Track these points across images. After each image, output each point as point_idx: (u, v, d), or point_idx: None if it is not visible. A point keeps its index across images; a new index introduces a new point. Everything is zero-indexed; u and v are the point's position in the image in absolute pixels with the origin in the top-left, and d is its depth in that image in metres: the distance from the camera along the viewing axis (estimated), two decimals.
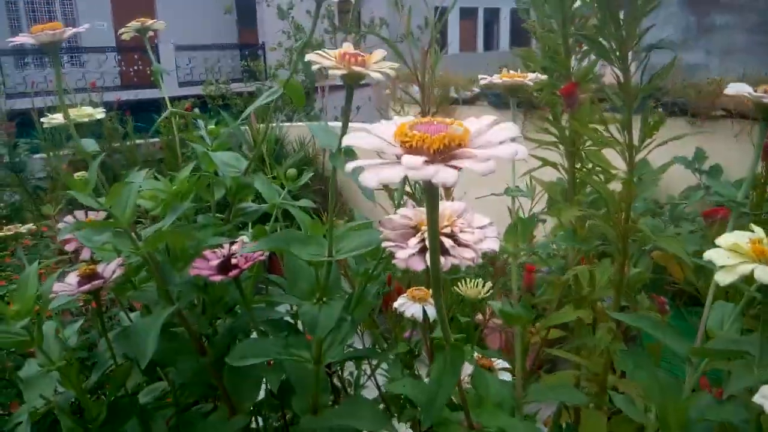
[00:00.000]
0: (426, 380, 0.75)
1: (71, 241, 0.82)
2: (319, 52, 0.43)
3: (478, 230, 0.48)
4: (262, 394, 0.84)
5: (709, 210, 0.96)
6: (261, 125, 0.84)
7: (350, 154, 0.46)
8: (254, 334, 0.82)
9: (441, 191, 1.00)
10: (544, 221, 1.46)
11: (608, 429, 0.90)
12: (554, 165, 1.11)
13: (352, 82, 0.45)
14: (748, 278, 0.43)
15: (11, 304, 0.68)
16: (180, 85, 10.94)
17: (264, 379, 0.81)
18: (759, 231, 0.48)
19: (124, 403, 0.78)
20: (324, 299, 0.65)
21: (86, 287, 0.70)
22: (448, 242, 0.45)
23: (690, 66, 3.47)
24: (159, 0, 12.01)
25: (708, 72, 3.28)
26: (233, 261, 0.70)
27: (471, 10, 15.60)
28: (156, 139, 3.64)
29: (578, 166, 1.11)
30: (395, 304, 0.78)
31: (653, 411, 0.63)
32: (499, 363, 0.77)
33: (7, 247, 1.25)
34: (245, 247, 0.67)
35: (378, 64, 0.45)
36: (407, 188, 0.88)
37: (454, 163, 0.27)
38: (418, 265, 0.43)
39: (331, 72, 0.42)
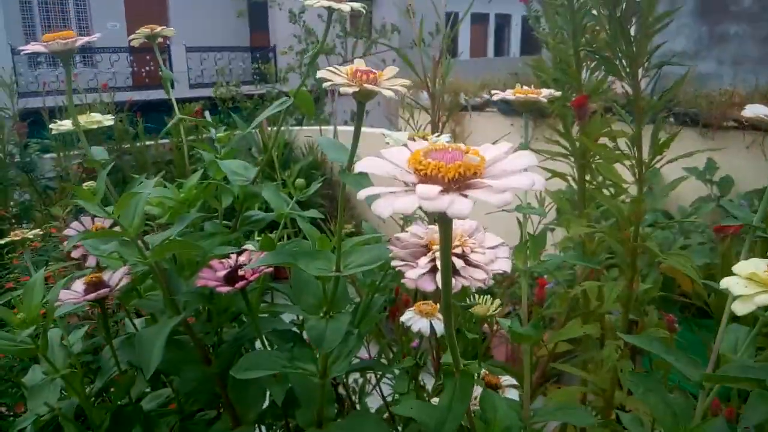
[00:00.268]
0: (434, 400, 0.75)
1: (78, 248, 0.82)
2: (331, 68, 0.43)
3: (489, 250, 0.47)
4: (266, 403, 0.83)
5: (721, 226, 0.94)
6: (271, 129, 0.83)
7: (362, 172, 0.46)
8: (259, 344, 0.81)
9: None
10: (552, 230, 1.46)
11: None
12: (564, 177, 1.10)
13: (364, 99, 0.45)
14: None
15: (16, 311, 0.68)
16: (191, 86, 10.99)
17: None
18: None
19: (128, 410, 0.78)
20: (331, 314, 0.64)
21: (92, 296, 0.69)
22: (458, 263, 0.44)
23: (702, 76, 3.45)
24: (172, 1, 12.08)
25: (720, 82, 3.26)
26: (240, 272, 0.69)
27: (482, 16, 15.59)
28: (166, 141, 3.65)
29: (588, 178, 1.10)
30: (402, 318, 0.77)
31: None
32: (507, 380, 0.76)
33: (16, 249, 1.25)
34: (256, 262, 0.67)
35: (390, 81, 0.44)
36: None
37: (469, 193, 0.27)
38: (428, 286, 0.43)
39: (342, 90, 0.42)
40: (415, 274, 0.43)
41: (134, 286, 0.80)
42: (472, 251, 0.46)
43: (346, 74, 0.43)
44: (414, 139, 0.46)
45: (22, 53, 0.71)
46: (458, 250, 0.45)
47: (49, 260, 1.39)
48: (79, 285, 0.74)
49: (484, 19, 15.80)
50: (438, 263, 0.42)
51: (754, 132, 2.55)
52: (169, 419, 0.86)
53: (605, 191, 1.07)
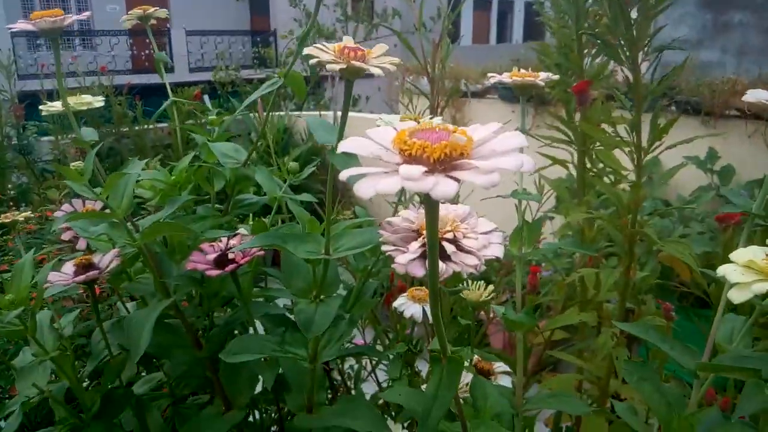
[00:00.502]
0: (424, 387, 0.74)
1: (68, 230, 0.81)
2: (318, 45, 0.41)
3: (482, 236, 0.46)
4: (259, 388, 0.83)
5: (723, 215, 0.93)
6: (267, 113, 0.82)
7: (350, 154, 0.45)
8: (251, 330, 0.80)
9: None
10: (552, 218, 1.44)
11: None
12: (564, 164, 1.09)
13: (352, 77, 0.43)
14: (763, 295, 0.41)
15: (5, 292, 0.67)
16: (191, 70, 10.93)
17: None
18: None
19: (119, 394, 0.77)
20: (321, 297, 0.64)
21: (81, 278, 0.69)
22: (450, 248, 0.43)
23: (705, 64, 3.42)
24: None
25: (723, 71, 3.23)
26: (230, 255, 0.68)
27: (485, 2, 15.47)
28: (165, 125, 3.63)
29: (588, 165, 1.09)
30: (395, 304, 0.76)
31: (656, 421, 0.61)
32: (500, 366, 0.75)
33: (10, 232, 1.24)
34: (244, 244, 0.66)
35: (378, 59, 0.43)
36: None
37: (455, 174, 0.26)
38: (418, 271, 0.42)
39: (329, 66, 0.41)
40: (404, 259, 0.42)
41: (124, 269, 0.79)
42: (464, 236, 0.45)
43: (334, 51, 0.42)
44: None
45: (9, 31, 0.70)
46: (450, 235, 0.44)
47: (43, 243, 1.38)
48: (69, 267, 0.73)
49: (487, 5, 15.68)
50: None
51: (756, 121, 2.53)
52: (161, 403, 0.85)
53: (605, 179, 1.06)
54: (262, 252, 0.71)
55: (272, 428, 0.93)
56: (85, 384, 0.80)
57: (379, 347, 1.05)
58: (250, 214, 0.92)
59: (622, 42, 0.89)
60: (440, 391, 0.37)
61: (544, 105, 2.77)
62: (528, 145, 0.29)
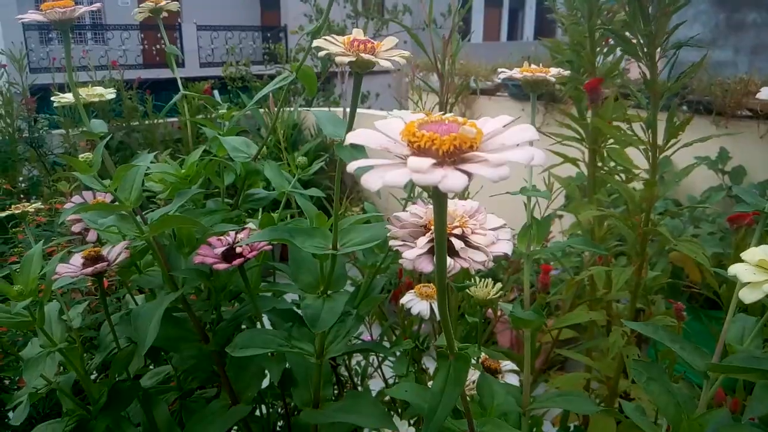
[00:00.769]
0: (431, 384, 0.74)
1: (78, 222, 0.81)
2: (327, 38, 0.41)
3: (490, 232, 0.45)
4: (266, 382, 0.83)
5: (735, 215, 0.92)
6: (278, 108, 0.82)
7: (358, 146, 0.44)
8: (258, 324, 0.80)
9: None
10: (561, 216, 1.43)
11: None
12: (574, 161, 1.08)
13: (361, 69, 0.43)
14: None
15: (14, 283, 0.68)
16: (201, 65, 10.97)
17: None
18: None
19: (126, 386, 0.78)
20: (328, 292, 0.63)
21: (89, 270, 0.69)
22: (458, 244, 0.43)
23: (718, 64, 3.38)
24: None
25: (736, 70, 3.20)
26: (238, 249, 0.68)
27: None
28: (175, 119, 3.64)
29: (599, 164, 1.08)
30: (402, 300, 0.76)
31: (665, 422, 0.60)
32: (507, 365, 0.74)
33: (20, 223, 1.25)
34: (251, 237, 0.66)
35: (388, 52, 0.42)
36: None
37: (464, 167, 0.25)
38: (426, 267, 0.41)
39: (338, 59, 0.40)
40: (412, 254, 0.42)
41: (133, 262, 0.79)
42: (472, 232, 0.45)
43: (343, 44, 0.42)
44: None
45: (21, 23, 0.70)
46: (458, 231, 0.44)
47: (53, 235, 1.39)
48: (77, 259, 0.73)
49: (499, 2, 15.61)
50: None
51: None
52: (168, 396, 0.85)
53: (616, 177, 1.05)
54: (269, 246, 0.71)
55: (278, 423, 0.93)
56: (93, 376, 0.81)
57: (386, 343, 1.05)
58: (260, 209, 0.92)
59: (640, 38, 0.88)
60: (447, 388, 0.37)
61: (554, 103, 2.75)
62: (539, 138, 0.29)
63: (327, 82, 5.17)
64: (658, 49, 0.85)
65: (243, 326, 0.84)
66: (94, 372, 0.82)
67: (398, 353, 0.86)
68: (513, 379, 0.72)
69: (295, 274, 0.65)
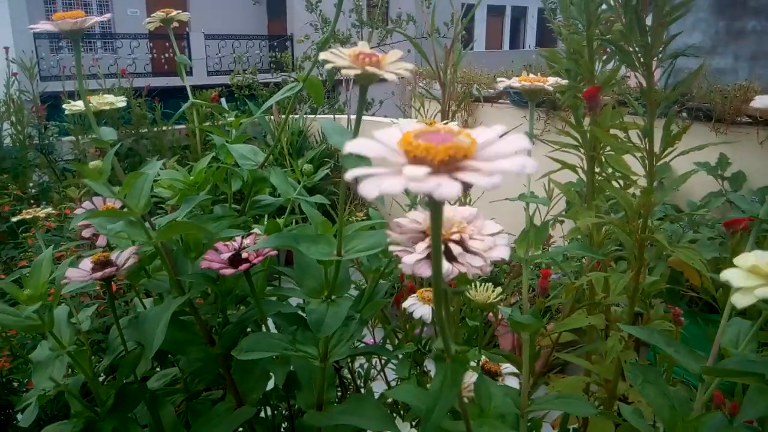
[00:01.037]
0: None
1: (88, 228, 0.83)
2: (333, 51, 0.43)
3: (488, 237, 0.47)
4: (271, 385, 0.84)
5: (731, 220, 0.93)
6: (284, 116, 0.84)
7: (362, 156, 0.46)
8: (264, 328, 0.82)
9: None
10: (562, 222, 1.45)
11: None
12: (573, 168, 1.10)
13: (366, 82, 0.45)
14: None
15: (24, 288, 0.69)
16: (209, 74, 11.06)
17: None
18: None
19: (133, 388, 0.79)
20: (332, 297, 0.65)
21: (98, 274, 0.70)
22: (456, 249, 0.44)
23: (717, 71, 3.39)
24: None
25: (736, 77, 3.21)
26: (244, 255, 0.70)
27: (499, 8, 15.46)
28: (183, 126, 3.68)
29: (598, 170, 1.09)
30: (404, 304, 0.78)
31: (662, 425, 0.61)
32: (507, 368, 0.76)
33: (30, 228, 1.27)
34: (256, 245, 0.67)
35: (393, 65, 0.44)
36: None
37: (458, 175, 0.27)
38: (425, 271, 0.43)
39: (344, 72, 0.42)
40: (411, 259, 0.43)
41: (142, 267, 0.81)
42: (470, 238, 0.46)
43: (349, 57, 0.43)
44: None
45: (31, 31, 0.72)
46: (456, 237, 0.45)
47: (63, 240, 1.41)
48: (87, 263, 0.75)
49: (501, 11, 15.66)
50: None
51: None
52: (175, 398, 0.87)
53: (614, 183, 1.06)
54: (274, 252, 0.72)
55: (282, 425, 0.94)
56: (101, 379, 0.82)
57: (388, 347, 1.07)
58: (266, 215, 0.94)
59: (637, 48, 0.89)
60: (444, 390, 0.38)
61: (556, 110, 2.77)
62: (531, 147, 0.30)
63: (332, 90, 5.20)
64: (655, 59, 0.87)
65: (248, 330, 0.85)
66: (102, 374, 0.84)
67: (400, 356, 0.87)
68: (513, 382, 0.74)
69: (300, 279, 0.67)
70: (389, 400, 0.90)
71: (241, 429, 0.84)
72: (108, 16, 0.73)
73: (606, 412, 0.97)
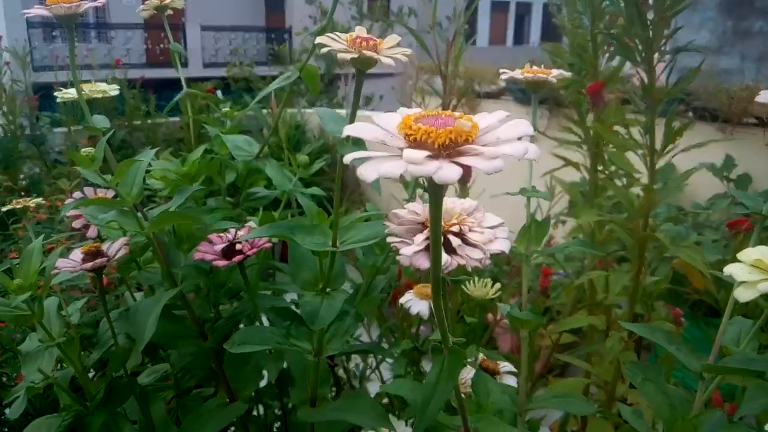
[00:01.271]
0: None
1: (79, 218, 0.81)
2: (330, 35, 0.41)
3: (488, 230, 0.46)
4: (264, 382, 0.83)
5: (734, 221, 0.92)
6: (280, 108, 0.82)
7: (358, 143, 0.45)
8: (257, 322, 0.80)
9: (456, 186, 0.97)
10: (564, 222, 1.43)
11: None
12: (576, 165, 1.09)
13: (363, 67, 0.43)
14: None
15: (14, 277, 0.68)
16: (205, 66, 11.01)
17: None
18: None
19: (123, 383, 0.78)
20: (327, 290, 0.64)
21: (89, 265, 0.69)
22: (455, 241, 0.43)
23: (724, 71, 3.38)
24: None
25: (743, 78, 3.20)
26: (238, 246, 0.68)
27: (503, 3, 15.45)
28: (177, 119, 3.65)
29: (601, 168, 1.08)
30: (401, 300, 0.76)
31: (661, 426, 0.60)
32: (506, 366, 0.74)
33: (21, 219, 1.25)
34: (250, 233, 0.66)
35: (390, 50, 0.43)
36: (421, 180, 0.86)
37: (458, 159, 0.25)
38: (423, 263, 0.42)
39: (340, 56, 0.40)
40: (409, 251, 0.42)
41: (133, 258, 0.79)
42: (470, 230, 0.45)
43: (346, 41, 0.42)
44: None
45: (26, 19, 0.70)
46: (456, 228, 0.44)
47: (53, 232, 1.39)
48: (77, 254, 0.73)
49: (505, 7, 15.65)
50: None
51: None
52: (166, 394, 0.86)
53: (617, 181, 1.05)
54: (269, 243, 0.71)
55: (275, 424, 0.93)
56: (90, 373, 0.81)
57: (384, 345, 1.05)
58: (260, 208, 0.92)
59: (638, 43, 0.88)
60: (440, 382, 0.37)
61: (559, 107, 2.76)
62: (534, 132, 0.29)
63: (330, 84, 5.18)
64: (656, 54, 0.85)
65: (241, 325, 0.84)
66: (92, 368, 0.83)
67: (396, 354, 0.86)
68: (511, 381, 0.72)
69: (295, 272, 0.65)
70: (385, 400, 0.89)
71: (233, 428, 0.83)
72: (102, 0, 0.71)
73: (605, 413, 0.96)
